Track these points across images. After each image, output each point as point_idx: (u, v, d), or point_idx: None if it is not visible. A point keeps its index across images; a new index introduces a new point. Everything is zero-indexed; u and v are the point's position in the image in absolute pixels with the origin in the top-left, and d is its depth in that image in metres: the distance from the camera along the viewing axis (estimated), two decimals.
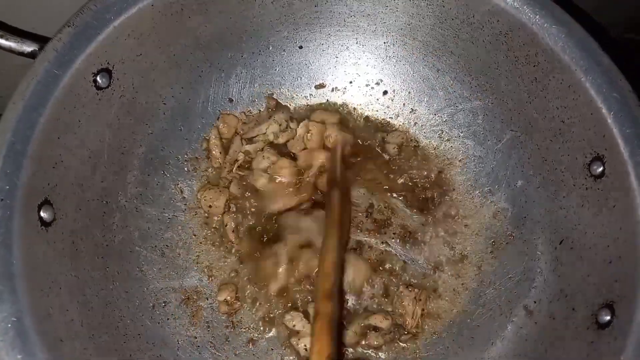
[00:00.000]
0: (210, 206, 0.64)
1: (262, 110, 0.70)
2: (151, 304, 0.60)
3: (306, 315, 0.61)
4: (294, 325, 0.60)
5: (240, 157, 0.66)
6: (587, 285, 0.54)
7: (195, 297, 0.62)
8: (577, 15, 0.57)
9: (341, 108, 0.72)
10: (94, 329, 0.51)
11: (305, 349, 0.59)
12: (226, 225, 0.64)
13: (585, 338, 0.51)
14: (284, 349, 0.61)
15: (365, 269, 0.63)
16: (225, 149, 0.67)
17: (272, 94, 0.70)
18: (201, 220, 0.66)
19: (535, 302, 0.59)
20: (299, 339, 0.60)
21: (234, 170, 0.66)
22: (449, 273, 0.65)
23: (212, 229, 0.65)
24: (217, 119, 0.68)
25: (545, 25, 0.57)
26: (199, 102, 0.67)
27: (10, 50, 0.53)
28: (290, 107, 0.71)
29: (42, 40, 0.53)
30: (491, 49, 0.62)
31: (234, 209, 0.65)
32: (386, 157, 0.69)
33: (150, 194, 0.64)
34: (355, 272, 0.62)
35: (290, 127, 0.68)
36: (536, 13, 0.57)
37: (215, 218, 0.65)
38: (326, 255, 0.54)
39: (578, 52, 0.55)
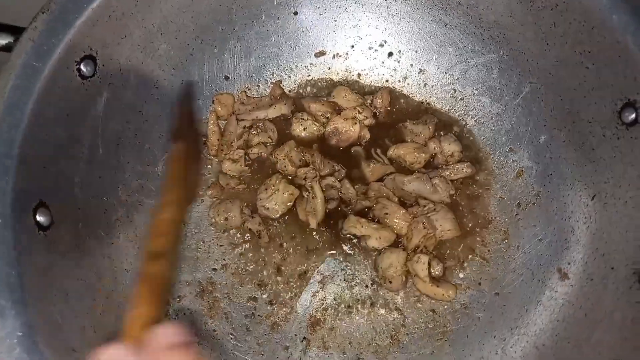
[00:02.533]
0: (226, 219, 0.61)
1: (260, 86, 0.66)
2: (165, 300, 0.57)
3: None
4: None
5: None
6: (626, 242, 0.50)
7: (210, 289, 0.60)
8: None
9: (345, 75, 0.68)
10: (108, 334, 0.49)
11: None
12: (258, 234, 0.61)
13: (628, 298, 0.48)
14: (310, 334, 0.59)
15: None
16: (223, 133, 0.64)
17: (281, 81, 0.66)
18: (208, 208, 0.62)
19: (569, 263, 0.55)
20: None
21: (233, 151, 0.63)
22: (474, 240, 0.61)
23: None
24: (212, 103, 0.64)
25: None
26: (193, 82, 0.63)
27: None
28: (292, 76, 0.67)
29: (16, 31, 0.49)
30: None
31: (249, 212, 0.61)
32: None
33: (152, 186, 0.60)
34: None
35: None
36: None
37: (237, 231, 0.62)
38: (164, 213, 0.46)
39: None
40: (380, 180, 0.63)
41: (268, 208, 0.60)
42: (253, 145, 0.63)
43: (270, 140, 0.64)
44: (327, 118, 0.65)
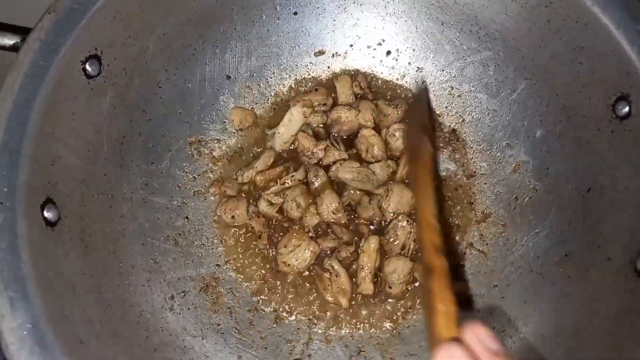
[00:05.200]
0: (233, 217, 0.61)
1: (261, 85, 0.67)
2: (170, 295, 0.58)
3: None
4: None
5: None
6: (621, 232, 0.51)
7: (214, 284, 0.60)
8: None
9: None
10: (115, 326, 0.50)
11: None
12: (259, 234, 0.62)
13: (625, 287, 0.49)
14: (312, 327, 0.60)
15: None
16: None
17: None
18: (211, 205, 0.63)
19: (566, 255, 0.56)
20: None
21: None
22: (472, 234, 0.62)
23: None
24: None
25: None
26: (195, 82, 0.64)
27: None
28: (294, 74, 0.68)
29: (23, 32, 0.50)
30: None
31: (254, 211, 0.62)
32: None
33: (156, 183, 0.61)
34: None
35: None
36: None
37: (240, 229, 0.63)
38: (426, 205, 0.46)
39: None
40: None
41: (289, 265, 0.60)
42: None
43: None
44: (325, 104, 0.66)
